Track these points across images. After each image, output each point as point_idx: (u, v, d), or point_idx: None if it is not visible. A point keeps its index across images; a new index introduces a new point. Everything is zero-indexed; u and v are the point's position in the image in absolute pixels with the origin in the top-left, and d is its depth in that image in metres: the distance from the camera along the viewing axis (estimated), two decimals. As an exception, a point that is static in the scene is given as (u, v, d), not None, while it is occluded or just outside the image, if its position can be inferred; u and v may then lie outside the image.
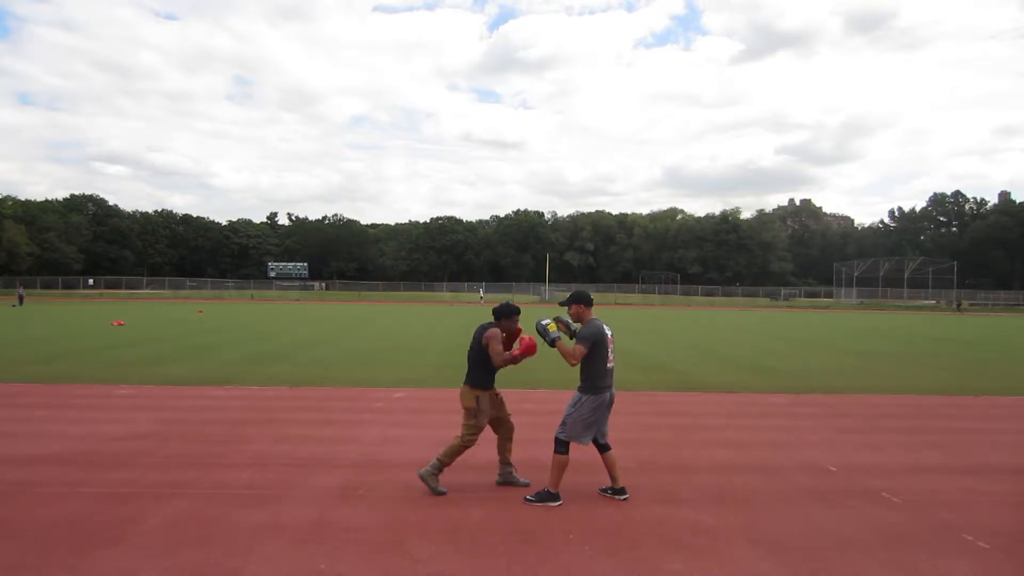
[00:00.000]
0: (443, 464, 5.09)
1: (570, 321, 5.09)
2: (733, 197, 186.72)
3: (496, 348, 4.99)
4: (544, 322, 4.99)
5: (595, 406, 4.89)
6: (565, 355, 4.83)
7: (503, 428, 5.29)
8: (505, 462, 5.33)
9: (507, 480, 5.32)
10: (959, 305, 60.28)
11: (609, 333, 4.95)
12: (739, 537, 4.34)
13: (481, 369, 5.07)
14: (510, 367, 5.12)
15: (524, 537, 4.28)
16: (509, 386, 10.30)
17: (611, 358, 4.95)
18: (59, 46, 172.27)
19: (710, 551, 4.11)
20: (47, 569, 3.74)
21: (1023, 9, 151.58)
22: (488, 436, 6.97)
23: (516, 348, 5.06)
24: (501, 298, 65.46)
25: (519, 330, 5.21)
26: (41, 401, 8.79)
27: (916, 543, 4.29)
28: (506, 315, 5.11)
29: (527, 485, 5.26)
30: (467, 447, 5.09)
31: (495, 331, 5.04)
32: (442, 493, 5.02)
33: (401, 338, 19.77)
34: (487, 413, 5.11)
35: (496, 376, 5.18)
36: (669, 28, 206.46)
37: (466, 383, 5.13)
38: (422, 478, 5.07)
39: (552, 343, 4.90)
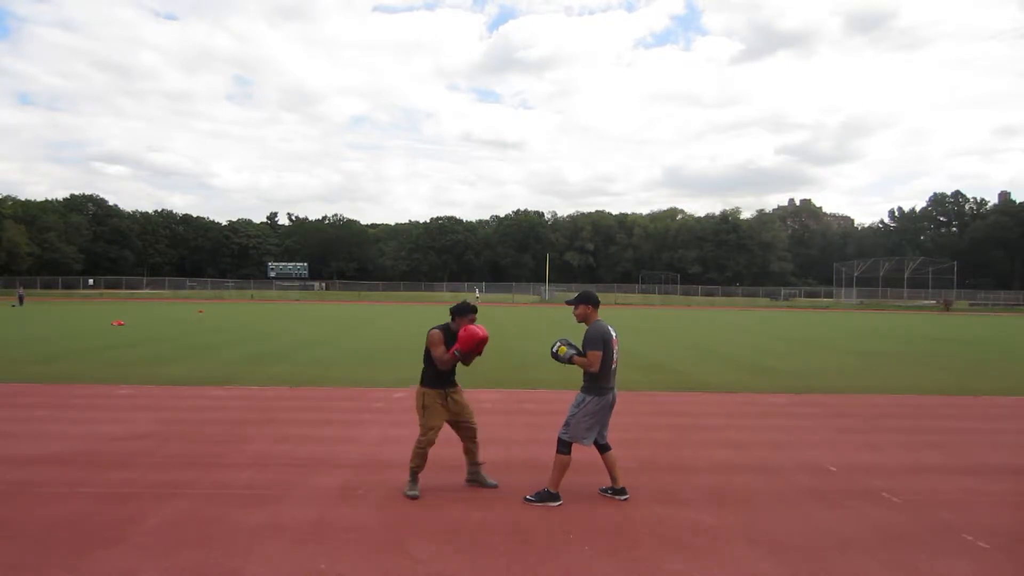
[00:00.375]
0: (416, 470, 5.05)
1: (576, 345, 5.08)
2: (733, 197, 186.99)
3: (437, 351, 4.96)
4: (553, 349, 5.04)
5: (598, 407, 4.90)
6: (585, 366, 4.87)
7: (462, 431, 5.21)
8: (472, 462, 5.28)
9: (475, 479, 5.27)
10: (947, 305, 60.13)
11: (613, 334, 4.97)
12: (739, 537, 4.34)
13: (430, 369, 5.07)
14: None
15: (524, 537, 4.28)
16: (511, 386, 10.33)
17: (615, 359, 4.96)
18: (59, 46, 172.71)
19: (710, 551, 4.11)
20: (47, 569, 3.74)
21: (1023, 9, 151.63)
22: (493, 436, 6.98)
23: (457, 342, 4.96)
24: (500, 298, 65.50)
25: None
26: (41, 401, 8.79)
27: (916, 543, 4.29)
28: (460, 314, 5.06)
29: (495, 487, 5.21)
30: (425, 446, 5.02)
31: (435, 333, 5.02)
32: (415, 496, 4.96)
33: (401, 338, 19.77)
34: (438, 412, 5.04)
35: (456, 375, 5.17)
36: (669, 28, 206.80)
37: (419, 382, 5.15)
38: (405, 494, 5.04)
39: (569, 361, 4.93)
